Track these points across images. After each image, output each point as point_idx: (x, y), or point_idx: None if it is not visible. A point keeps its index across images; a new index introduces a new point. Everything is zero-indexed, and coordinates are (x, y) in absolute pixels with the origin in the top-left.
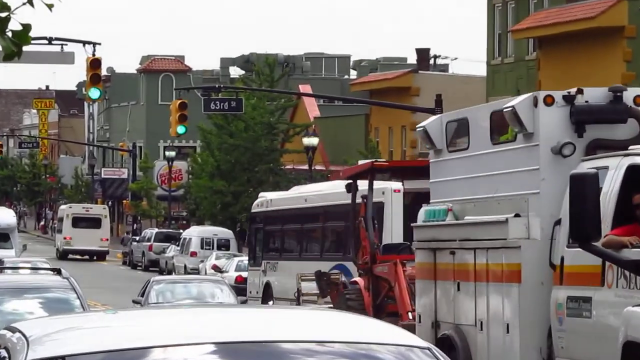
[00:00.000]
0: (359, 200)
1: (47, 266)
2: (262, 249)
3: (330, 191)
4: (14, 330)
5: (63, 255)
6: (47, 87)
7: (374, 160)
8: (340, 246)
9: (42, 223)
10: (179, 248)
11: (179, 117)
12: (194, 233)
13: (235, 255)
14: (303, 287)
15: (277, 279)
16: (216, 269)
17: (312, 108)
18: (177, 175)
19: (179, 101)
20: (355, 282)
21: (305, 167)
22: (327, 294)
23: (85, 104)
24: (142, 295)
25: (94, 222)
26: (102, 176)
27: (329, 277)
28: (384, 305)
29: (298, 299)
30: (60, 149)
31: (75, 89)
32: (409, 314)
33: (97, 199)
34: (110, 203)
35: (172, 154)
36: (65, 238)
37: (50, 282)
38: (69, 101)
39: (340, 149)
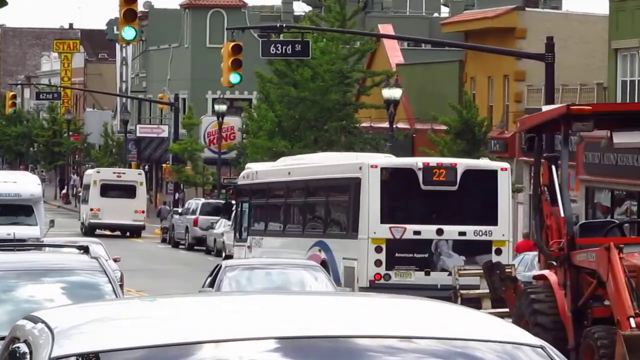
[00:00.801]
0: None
1: (101, 250)
2: (247, 223)
3: (313, 164)
4: (35, 320)
5: (89, 230)
6: (71, 25)
7: (569, 104)
8: (322, 222)
9: (64, 191)
10: (230, 223)
11: (232, 63)
12: None
13: None
14: (462, 283)
15: (262, 256)
16: None
17: (394, 53)
18: (229, 133)
19: (232, 43)
20: (542, 277)
21: (385, 125)
22: (500, 294)
23: (117, 47)
24: (212, 285)
25: (127, 191)
26: (137, 134)
27: (502, 269)
28: (588, 308)
29: (455, 301)
30: (87, 101)
31: (104, 27)
32: (632, 320)
33: (131, 163)
34: (146, 167)
35: (223, 108)
36: (92, 210)
37: (75, 262)
38: (98, 43)
39: (428, 103)
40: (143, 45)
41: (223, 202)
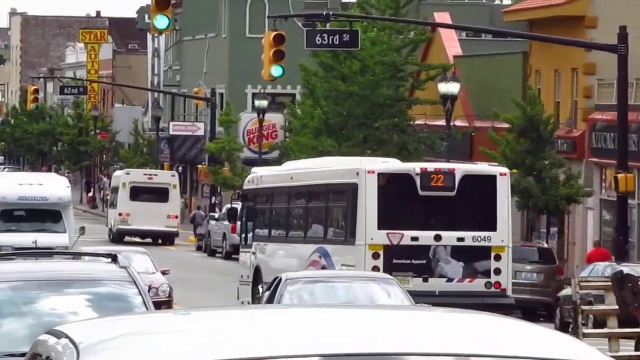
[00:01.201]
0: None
1: (147, 260)
2: (252, 229)
3: (315, 169)
4: (58, 334)
5: (118, 237)
6: (98, 13)
7: None
8: (322, 228)
9: (90, 194)
10: None
11: (274, 54)
12: None
13: None
14: (582, 297)
15: (266, 262)
16: None
17: (451, 44)
18: (270, 131)
19: (274, 33)
20: None
21: (441, 122)
22: (632, 311)
23: (149, 37)
24: (271, 301)
25: (158, 194)
26: (170, 132)
27: (635, 282)
28: None
29: (575, 319)
30: (115, 95)
31: (135, 16)
32: None
33: (164, 163)
34: (180, 168)
35: (264, 103)
36: (120, 215)
37: (102, 272)
38: (127, 32)
39: (489, 98)
40: (177, 35)
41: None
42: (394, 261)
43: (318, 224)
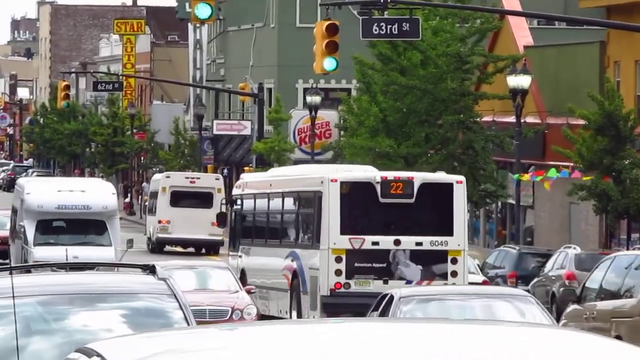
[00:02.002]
0: None
1: (229, 276)
2: (239, 233)
3: (289, 177)
4: (90, 353)
5: (157, 246)
6: (135, 2)
7: None
8: (294, 233)
9: (126, 200)
10: None
11: (327, 45)
12: None
13: None
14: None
15: (250, 266)
16: None
17: (521, 33)
18: (324, 130)
19: (327, 23)
20: None
21: (511, 119)
22: None
23: (190, 27)
24: None
25: (202, 199)
26: (214, 132)
27: None
28: None
29: None
30: (154, 92)
31: (175, 4)
32: None
33: (207, 166)
34: (225, 171)
35: (317, 99)
36: (160, 222)
37: (138, 284)
38: (167, 23)
39: (563, 92)
40: (221, 26)
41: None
42: (356, 264)
43: (291, 229)
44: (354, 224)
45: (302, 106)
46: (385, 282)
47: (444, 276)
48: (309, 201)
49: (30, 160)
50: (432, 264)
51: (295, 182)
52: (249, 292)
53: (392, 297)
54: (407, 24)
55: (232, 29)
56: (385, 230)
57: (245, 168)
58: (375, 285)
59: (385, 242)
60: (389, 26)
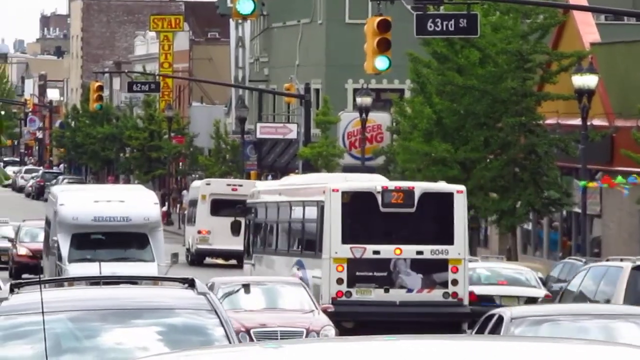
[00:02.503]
0: None
1: (303, 294)
2: (253, 242)
3: (296, 186)
4: None
5: (197, 258)
6: None
7: None
8: (300, 242)
9: (164, 208)
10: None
11: (379, 43)
12: None
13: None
14: None
15: (263, 274)
16: None
17: (587, 29)
18: (375, 134)
19: (379, 18)
20: None
21: (577, 121)
22: None
23: (232, 24)
24: None
25: None
26: (258, 135)
27: None
28: None
29: None
30: (193, 93)
31: None
32: None
33: (250, 172)
34: (269, 177)
35: (367, 101)
36: (200, 232)
37: (176, 299)
38: (207, 19)
39: (633, 92)
40: (264, 22)
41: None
42: (357, 273)
43: (297, 238)
44: (356, 233)
45: (351, 108)
46: (387, 290)
47: (444, 284)
48: (313, 210)
49: (61, 166)
50: (433, 273)
51: (301, 191)
52: (325, 311)
53: (500, 318)
54: (465, 20)
55: (276, 25)
56: (386, 239)
57: (291, 174)
58: (376, 294)
59: (386, 251)
60: (445, 22)
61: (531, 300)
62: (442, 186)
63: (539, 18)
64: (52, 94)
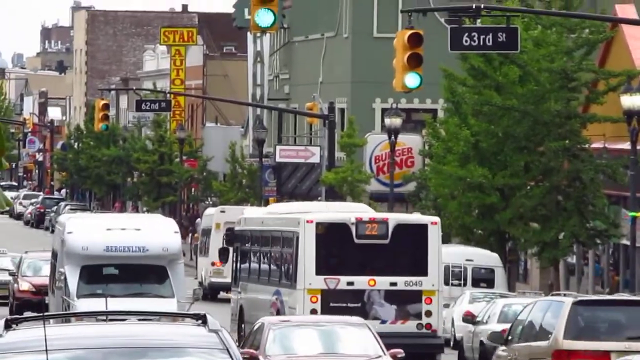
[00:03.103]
0: None
1: (368, 336)
2: (240, 269)
3: (277, 215)
4: None
5: (210, 292)
6: (185, 7)
7: None
8: (278, 272)
9: None
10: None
11: (410, 59)
12: None
13: (501, 296)
14: None
15: (246, 302)
16: (470, 317)
17: (638, 44)
18: (406, 158)
19: (410, 32)
20: None
21: (626, 145)
22: None
23: (249, 37)
24: None
25: None
26: (277, 159)
27: None
28: None
29: None
30: (207, 112)
31: (231, 11)
32: None
33: (269, 198)
34: None
35: (397, 122)
36: (213, 264)
37: (186, 337)
38: (222, 32)
39: None
40: (285, 35)
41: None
42: (331, 304)
43: (276, 268)
44: (330, 264)
45: (379, 130)
46: None
47: (418, 316)
48: (289, 241)
49: (63, 191)
50: (407, 304)
51: (279, 221)
52: (395, 357)
53: None
54: (504, 34)
55: (298, 39)
56: (360, 270)
57: (313, 202)
58: None
59: (360, 282)
60: (482, 36)
61: None
62: (416, 217)
63: (584, 32)
64: (54, 113)
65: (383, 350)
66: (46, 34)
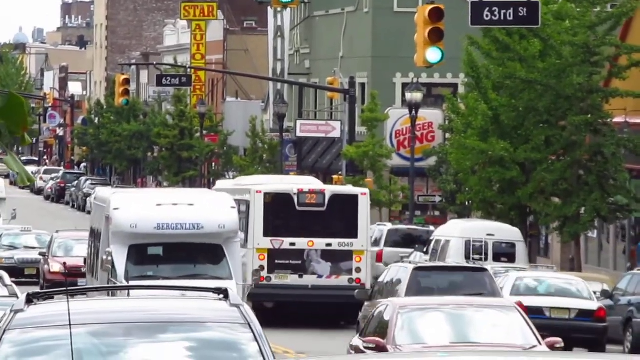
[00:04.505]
0: None
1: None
2: None
3: (236, 187)
4: None
5: None
6: None
7: None
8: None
9: None
10: (427, 256)
11: (431, 34)
12: (454, 232)
13: (520, 269)
14: None
15: None
16: None
17: None
18: (426, 132)
19: (430, 7)
20: None
21: None
22: None
23: (270, 12)
24: None
25: None
26: (298, 134)
27: None
28: None
29: None
30: (227, 87)
31: None
32: None
33: (289, 173)
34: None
35: (418, 96)
36: None
37: (207, 312)
38: (242, 7)
39: None
40: (305, 10)
41: (417, 227)
42: (276, 261)
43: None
44: (275, 228)
45: (400, 104)
46: (300, 276)
47: (349, 272)
48: (245, 207)
49: (83, 166)
50: (340, 262)
51: (237, 191)
52: (552, 347)
53: None
54: (525, 9)
55: (318, 14)
56: (300, 233)
57: (334, 177)
58: (292, 279)
59: (301, 243)
60: (502, 11)
61: (583, 313)
62: (349, 189)
63: (607, 6)
64: (74, 88)
65: (538, 339)
66: (67, 8)
